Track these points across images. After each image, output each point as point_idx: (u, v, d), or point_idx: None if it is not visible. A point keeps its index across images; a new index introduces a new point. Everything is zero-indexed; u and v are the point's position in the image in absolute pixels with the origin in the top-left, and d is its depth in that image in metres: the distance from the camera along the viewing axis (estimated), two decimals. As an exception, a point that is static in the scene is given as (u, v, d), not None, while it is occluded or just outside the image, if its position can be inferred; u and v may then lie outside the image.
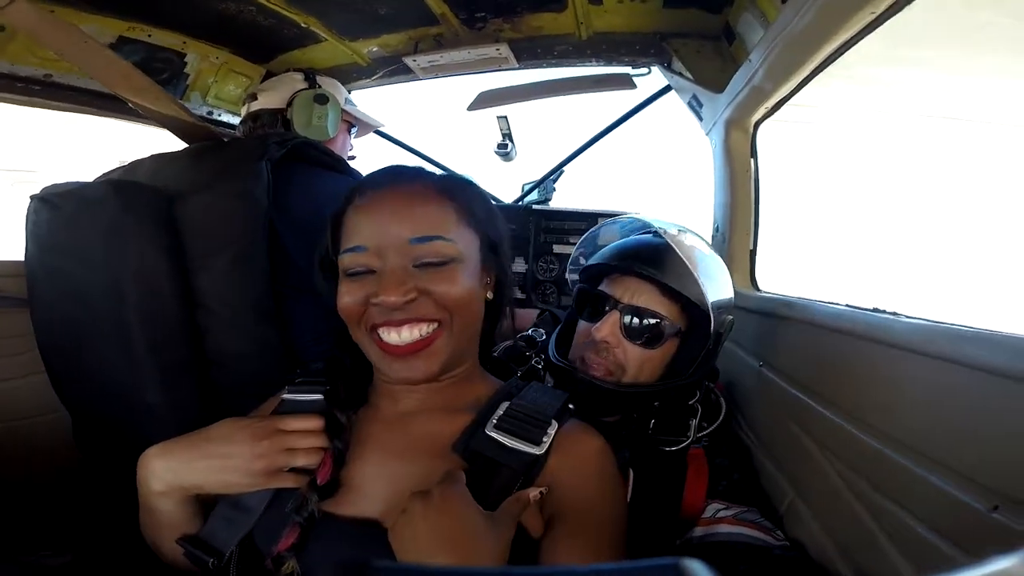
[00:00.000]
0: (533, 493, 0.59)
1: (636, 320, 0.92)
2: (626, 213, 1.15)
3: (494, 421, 0.66)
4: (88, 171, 1.11)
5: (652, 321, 0.91)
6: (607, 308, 0.93)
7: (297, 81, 1.49)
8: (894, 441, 0.60)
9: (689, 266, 0.90)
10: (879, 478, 0.62)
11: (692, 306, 0.91)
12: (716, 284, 0.93)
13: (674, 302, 0.92)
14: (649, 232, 1.01)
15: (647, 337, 0.91)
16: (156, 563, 0.72)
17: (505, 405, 0.68)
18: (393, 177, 0.71)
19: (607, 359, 0.92)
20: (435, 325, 0.66)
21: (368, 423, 0.72)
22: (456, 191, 0.70)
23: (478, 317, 0.72)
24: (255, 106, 1.44)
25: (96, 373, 0.96)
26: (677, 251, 0.92)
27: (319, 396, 0.73)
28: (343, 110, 1.55)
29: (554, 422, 0.66)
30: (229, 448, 0.65)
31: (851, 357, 0.75)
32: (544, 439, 0.64)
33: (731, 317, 0.96)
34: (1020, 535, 0.41)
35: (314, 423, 0.68)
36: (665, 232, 0.96)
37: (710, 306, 0.89)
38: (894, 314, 0.76)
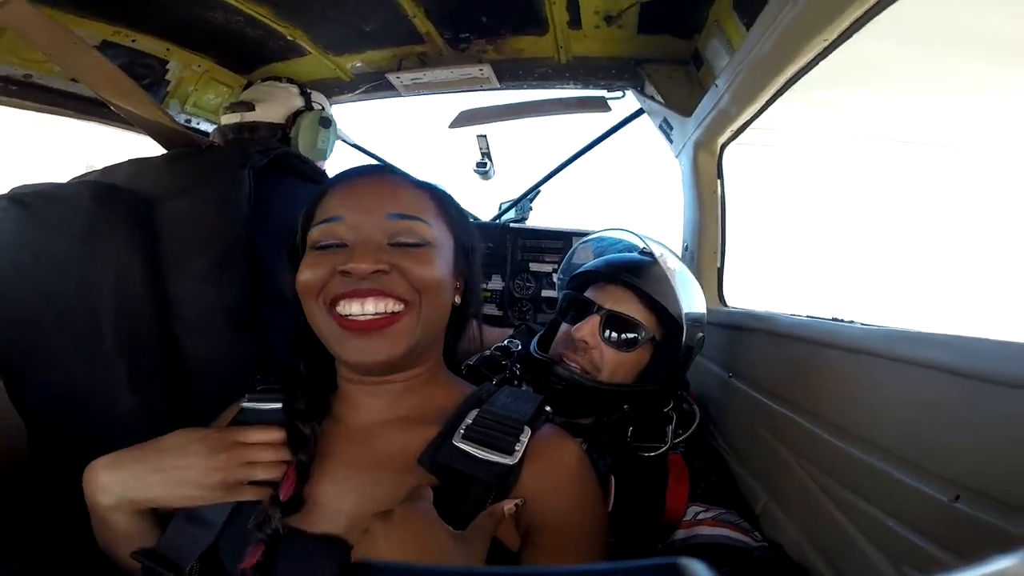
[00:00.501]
0: (508, 506, 0.56)
1: (615, 324, 0.98)
2: (617, 228, 1.21)
3: (462, 431, 0.62)
4: (48, 176, 1.06)
5: (629, 327, 0.98)
6: (589, 312, 1.00)
7: (294, 96, 1.46)
8: (859, 440, 0.63)
9: (670, 281, 0.97)
10: (848, 477, 0.64)
11: (668, 318, 0.98)
12: (692, 301, 1.01)
13: (651, 312, 0.99)
14: (636, 251, 1.09)
15: (623, 341, 0.98)
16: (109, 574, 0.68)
17: (474, 413, 0.64)
18: (374, 167, 0.71)
19: (583, 358, 0.98)
20: (402, 305, 0.62)
21: (332, 437, 0.67)
22: (434, 191, 0.71)
23: (445, 311, 0.69)
24: (251, 116, 1.40)
25: (60, 377, 0.92)
26: (661, 267, 0.99)
27: (279, 405, 0.68)
28: None
29: (527, 428, 0.62)
30: (183, 460, 0.61)
31: (813, 363, 0.79)
32: (516, 447, 0.60)
33: (702, 334, 1.02)
34: (979, 522, 0.44)
35: (274, 435, 0.64)
36: (651, 250, 1.03)
37: (684, 319, 0.96)
38: (851, 322, 0.82)
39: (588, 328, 0.98)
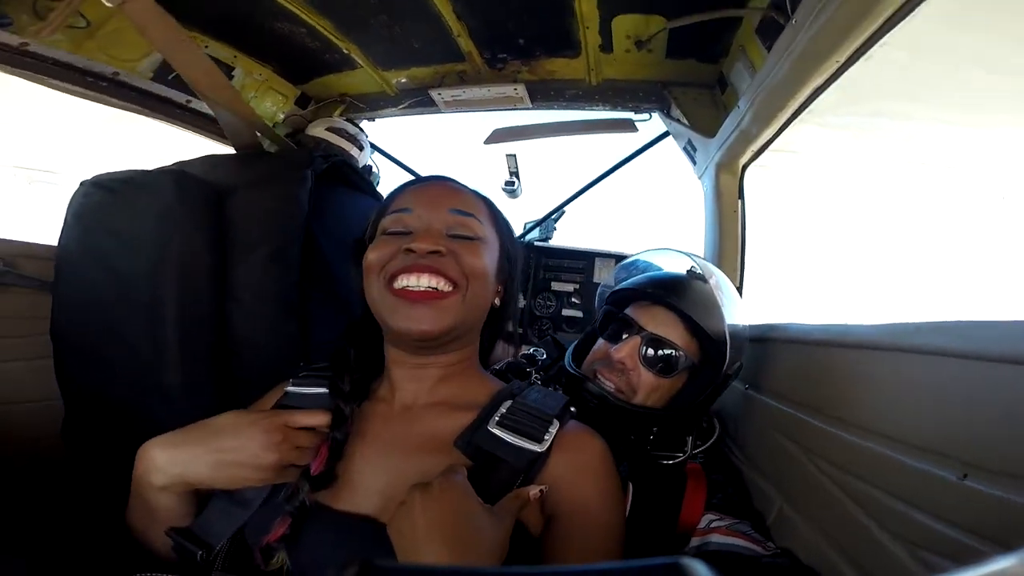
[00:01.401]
0: (533, 491, 0.59)
1: (655, 348, 0.95)
2: (667, 249, 1.20)
3: (496, 418, 0.67)
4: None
5: (670, 352, 0.95)
6: (630, 332, 0.97)
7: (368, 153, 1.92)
8: (870, 432, 0.65)
9: (719, 305, 0.94)
10: (861, 469, 0.65)
11: (711, 344, 0.94)
12: (736, 328, 0.97)
13: (694, 338, 0.96)
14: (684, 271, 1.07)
15: (662, 366, 0.95)
16: (124, 563, 0.69)
17: (508, 403, 0.69)
18: (441, 176, 0.81)
19: (620, 379, 0.96)
20: (452, 286, 0.68)
21: (369, 417, 0.72)
22: (487, 201, 0.80)
23: (486, 305, 0.75)
24: (356, 154, 1.83)
25: (115, 354, 0.98)
26: (710, 289, 0.96)
27: (323, 389, 0.73)
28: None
29: (556, 421, 0.67)
30: (237, 442, 0.63)
31: (824, 363, 0.81)
32: (546, 437, 0.65)
33: (740, 362, 0.99)
34: (988, 496, 0.45)
35: (321, 419, 0.68)
36: (701, 272, 1.00)
37: (729, 348, 0.93)
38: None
39: (627, 350, 0.95)
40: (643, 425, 0.97)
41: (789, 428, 0.87)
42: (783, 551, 0.79)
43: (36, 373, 1.11)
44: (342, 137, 1.82)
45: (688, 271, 1.05)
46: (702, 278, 0.99)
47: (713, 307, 0.94)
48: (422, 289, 0.67)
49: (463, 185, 0.80)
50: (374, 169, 2.14)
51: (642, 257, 1.26)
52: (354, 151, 1.85)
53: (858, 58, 0.92)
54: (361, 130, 1.94)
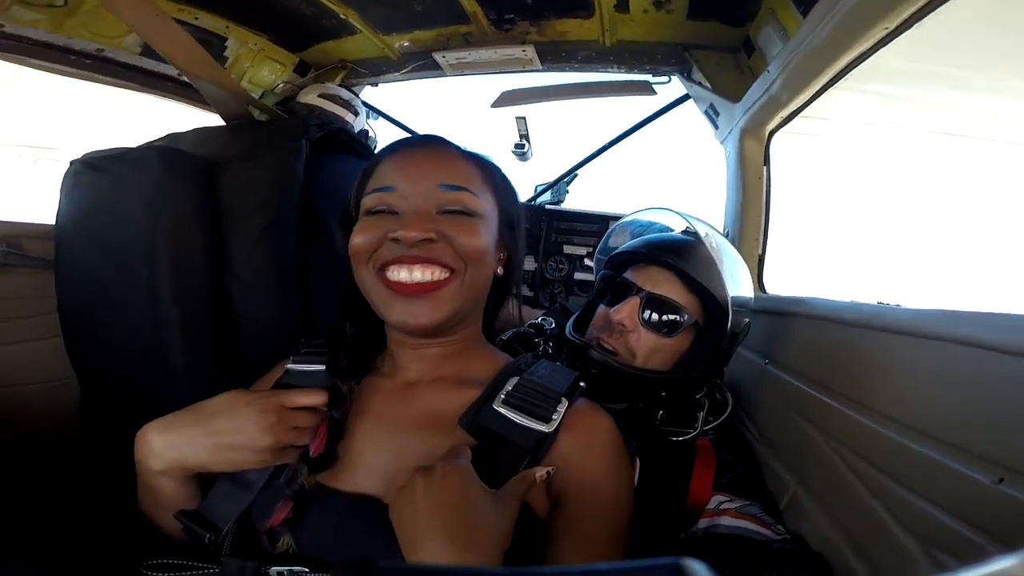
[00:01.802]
0: (540, 473, 0.57)
1: (655, 307, 0.94)
2: (658, 208, 1.15)
3: (502, 396, 0.64)
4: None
5: (670, 310, 0.94)
6: (629, 294, 0.96)
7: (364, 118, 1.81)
8: (897, 423, 0.62)
9: (716, 263, 0.92)
10: (883, 460, 0.63)
11: (713, 302, 0.93)
12: (738, 285, 0.96)
13: (695, 296, 0.94)
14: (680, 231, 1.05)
15: (663, 326, 0.94)
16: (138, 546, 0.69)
17: (514, 380, 0.66)
18: (426, 138, 0.72)
19: (620, 342, 0.94)
20: (448, 273, 0.63)
21: (373, 393, 0.69)
22: (483, 162, 0.72)
23: (487, 280, 0.70)
24: (351, 120, 1.73)
25: (118, 333, 0.98)
26: (706, 247, 0.93)
27: (323, 367, 0.70)
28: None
29: (564, 399, 0.64)
30: (233, 424, 0.61)
31: (852, 346, 0.77)
32: (554, 416, 0.62)
33: (748, 320, 0.98)
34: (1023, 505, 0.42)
35: (318, 398, 0.65)
36: (695, 230, 0.98)
37: (730, 304, 0.91)
38: (894, 306, 0.81)
39: (627, 311, 0.94)
40: (649, 390, 0.96)
41: (809, 409, 0.85)
42: (793, 536, 0.79)
43: (53, 352, 1.11)
44: (335, 103, 1.74)
45: (684, 230, 1.02)
46: (698, 236, 0.96)
47: (711, 264, 0.92)
48: (415, 282, 0.62)
49: (453, 147, 0.71)
50: (371, 133, 2.06)
51: (636, 217, 1.22)
52: (348, 116, 1.76)
53: (911, 24, 0.84)
54: (356, 95, 1.86)
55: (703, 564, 0.21)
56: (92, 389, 1.09)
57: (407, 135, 2.22)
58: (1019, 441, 0.46)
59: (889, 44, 0.92)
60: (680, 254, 0.94)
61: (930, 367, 0.60)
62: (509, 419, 0.62)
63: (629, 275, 0.99)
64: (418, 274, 0.62)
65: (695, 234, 0.97)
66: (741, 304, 0.95)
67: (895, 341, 0.67)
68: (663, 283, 0.95)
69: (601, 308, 1.02)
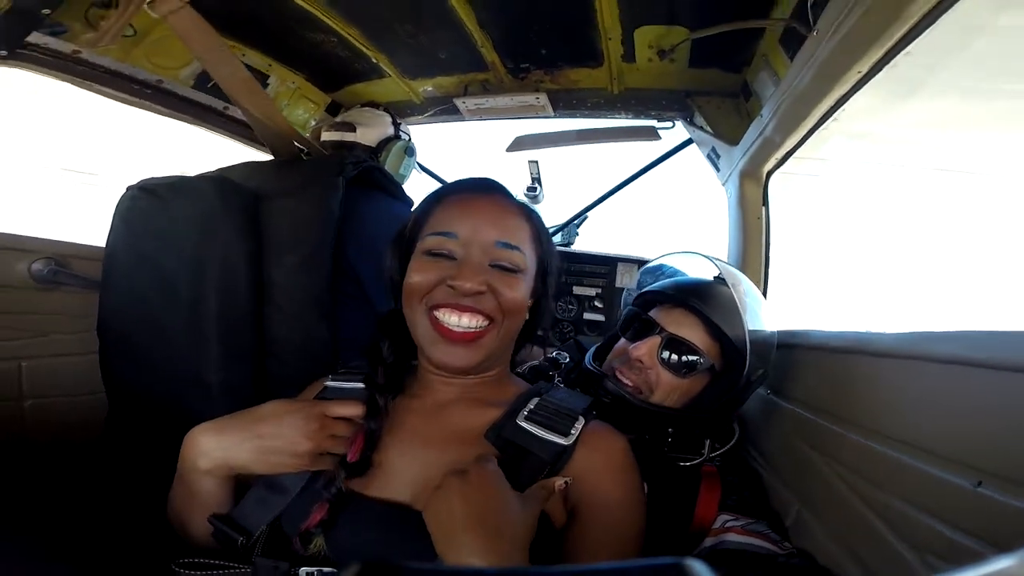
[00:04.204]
0: (559, 482, 0.62)
1: (675, 348, 0.97)
2: (692, 252, 1.18)
3: (525, 413, 0.71)
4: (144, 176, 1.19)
5: (689, 352, 0.97)
6: (651, 333, 0.99)
7: (388, 124, 1.63)
8: (889, 439, 0.65)
9: (740, 310, 0.95)
10: (878, 475, 0.66)
11: (732, 349, 0.96)
12: (760, 335, 0.98)
13: (715, 341, 0.97)
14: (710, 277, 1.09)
15: (681, 366, 0.97)
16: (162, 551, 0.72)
17: (536, 400, 0.73)
18: (487, 185, 0.80)
19: (638, 377, 0.98)
20: (488, 322, 0.71)
21: (405, 412, 0.75)
22: (533, 217, 0.80)
23: (519, 329, 0.77)
24: (351, 137, 1.57)
25: (157, 351, 1.03)
26: (733, 294, 0.97)
27: (360, 384, 0.76)
28: None
29: (581, 418, 0.71)
30: (278, 429, 0.67)
31: (844, 371, 0.82)
32: (572, 431, 0.68)
33: (764, 371, 0.99)
34: (1002, 505, 0.46)
35: (356, 409, 0.71)
36: (724, 277, 1.02)
37: (748, 351, 0.94)
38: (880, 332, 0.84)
39: (646, 348, 0.97)
40: (659, 424, 0.98)
41: (809, 434, 0.88)
42: (800, 551, 0.79)
43: (87, 368, 1.17)
44: (333, 130, 1.60)
45: (715, 277, 1.06)
46: (726, 283, 0.99)
47: (735, 312, 0.95)
48: (462, 330, 0.70)
49: (511, 199, 0.79)
50: (406, 137, 1.81)
51: (667, 261, 1.27)
52: (348, 136, 1.58)
53: (882, 67, 0.92)
54: (378, 109, 1.69)
55: (703, 564, 0.22)
56: (122, 404, 1.13)
57: (432, 178, 2.35)
58: (993, 446, 0.50)
59: (866, 86, 1.00)
60: (705, 299, 0.98)
61: (913, 385, 0.64)
62: (531, 433, 0.68)
63: (654, 314, 1.03)
64: (467, 321, 0.70)
65: (724, 281, 1.01)
66: (760, 353, 0.97)
67: (882, 363, 0.72)
68: (685, 325, 0.98)
69: (622, 342, 1.05)
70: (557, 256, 0.84)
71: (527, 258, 0.74)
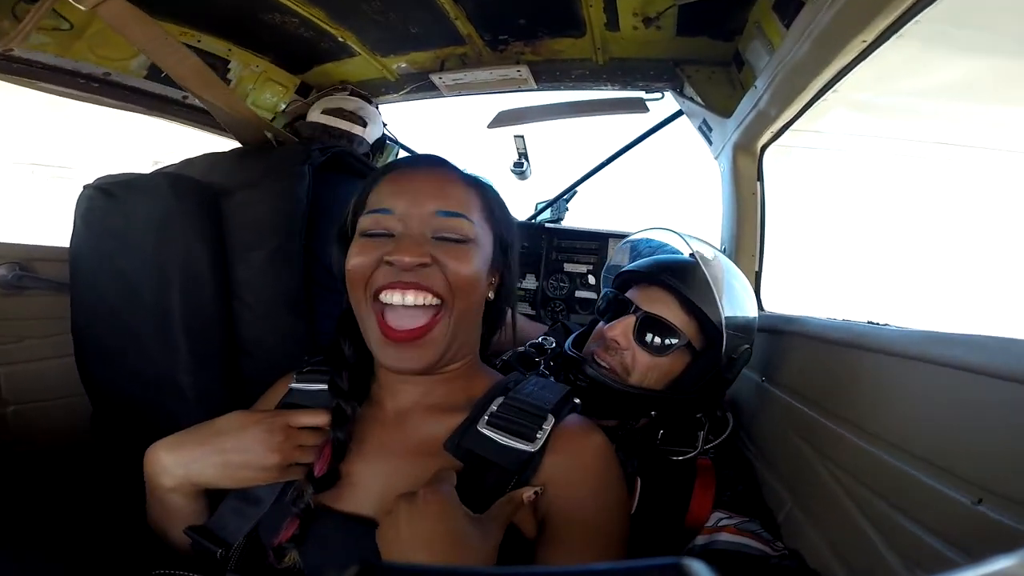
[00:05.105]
0: (527, 494, 0.57)
1: (649, 327, 0.95)
2: (663, 228, 1.14)
3: (486, 417, 0.64)
4: (119, 169, 1.16)
5: (664, 330, 0.95)
6: (626, 312, 0.97)
7: (380, 123, 1.76)
8: (886, 443, 0.63)
9: (713, 287, 0.92)
10: (872, 480, 0.63)
11: (710, 325, 0.94)
12: (739, 310, 0.96)
13: (692, 318, 0.96)
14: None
15: (657, 345, 0.95)
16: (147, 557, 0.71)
17: (500, 400, 0.67)
18: (426, 158, 0.73)
19: (615, 359, 0.96)
20: (437, 302, 0.65)
21: (370, 421, 0.71)
22: (481, 186, 0.73)
23: (478, 308, 0.72)
24: (359, 131, 1.65)
25: (129, 354, 1.00)
26: (708, 270, 0.94)
27: (325, 386, 0.72)
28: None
29: (551, 417, 0.64)
30: (242, 443, 0.64)
31: (844, 366, 0.78)
32: (539, 436, 0.62)
33: (747, 347, 0.97)
34: (1001, 526, 0.43)
35: (322, 419, 0.68)
36: (699, 253, 0.99)
37: (725, 327, 0.92)
38: (884, 325, 0.80)
39: (621, 328, 0.96)
40: (640, 407, 0.96)
41: (803, 427, 0.86)
42: (792, 552, 0.79)
43: (66, 370, 1.15)
44: (340, 117, 1.70)
45: (691, 254, 1.03)
46: (702, 258, 0.97)
47: (710, 288, 0.92)
48: (405, 329, 0.64)
49: (453, 169, 0.72)
50: (390, 136, 1.99)
51: (643, 236, 1.24)
52: (356, 129, 1.71)
53: (889, 36, 0.84)
54: (368, 102, 1.80)
55: (703, 564, 0.22)
56: (103, 406, 1.12)
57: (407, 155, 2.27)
58: (997, 462, 0.47)
59: (870, 57, 0.92)
60: (680, 276, 0.96)
61: (917, 388, 0.61)
62: (493, 440, 0.62)
63: (630, 294, 1.01)
64: (410, 298, 0.63)
65: (699, 256, 0.98)
66: (740, 329, 0.95)
67: (883, 361, 0.68)
68: (660, 303, 0.96)
69: (600, 324, 1.04)
70: (516, 229, 0.77)
71: (476, 228, 0.67)
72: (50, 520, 1.05)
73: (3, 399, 1.20)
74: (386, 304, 0.65)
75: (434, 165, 0.72)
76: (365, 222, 0.67)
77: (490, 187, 0.75)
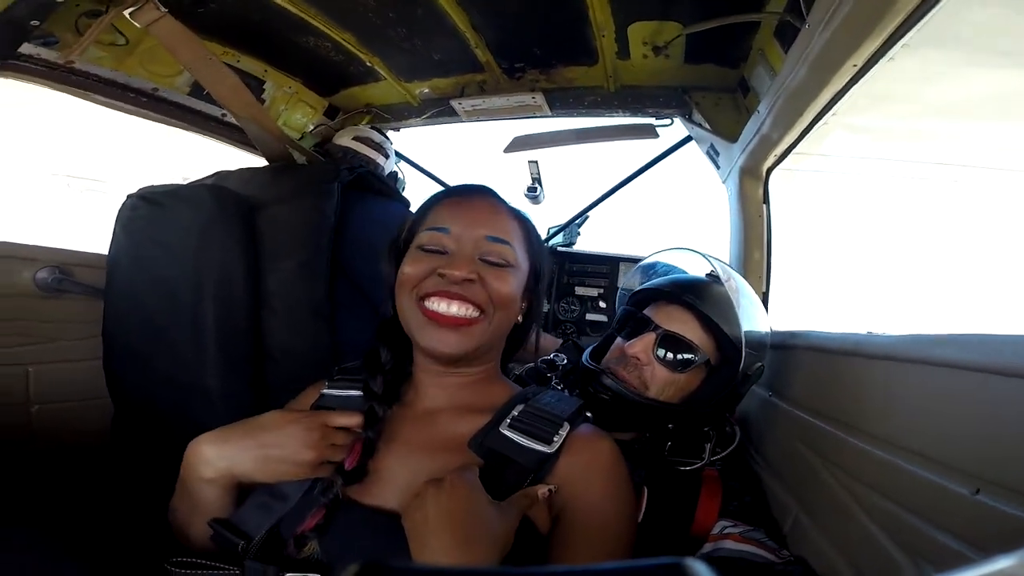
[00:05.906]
0: (542, 490, 0.63)
1: (670, 344, 0.97)
2: (684, 248, 1.19)
3: (508, 421, 0.71)
4: (149, 183, 1.22)
5: (684, 348, 0.97)
6: (646, 330, 1.00)
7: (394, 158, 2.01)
8: (885, 443, 0.64)
9: (734, 305, 0.96)
10: (876, 480, 0.65)
11: (727, 343, 0.96)
12: (754, 328, 0.99)
13: (710, 336, 0.98)
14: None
15: (677, 362, 0.97)
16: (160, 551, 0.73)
17: (520, 407, 0.73)
18: (480, 189, 0.83)
19: (633, 374, 0.98)
20: (477, 313, 0.72)
21: (399, 420, 0.76)
22: (524, 220, 0.82)
23: (510, 324, 0.78)
24: (382, 161, 1.89)
25: (159, 358, 1.05)
26: (726, 289, 0.98)
27: (358, 392, 0.78)
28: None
29: (566, 424, 0.70)
30: (281, 438, 0.69)
31: (845, 373, 0.80)
32: (555, 439, 0.68)
33: (761, 364, 1.00)
34: (999, 513, 0.45)
35: (356, 420, 0.73)
36: (718, 273, 1.03)
37: (743, 346, 0.94)
38: (880, 334, 0.82)
39: (641, 345, 0.98)
40: (657, 420, 0.98)
41: (808, 436, 0.87)
42: (797, 559, 0.79)
43: (93, 374, 1.19)
44: (367, 146, 1.87)
45: (707, 274, 1.06)
46: (720, 280, 1.01)
47: (729, 307, 0.96)
48: (451, 315, 0.71)
49: (502, 202, 0.81)
50: (400, 175, 2.19)
51: (661, 258, 1.27)
52: (380, 159, 1.89)
53: (878, 60, 0.89)
54: (387, 138, 1.99)
55: (703, 564, 0.22)
56: (126, 409, 1.15)
57: (432, 180, 2.36)
58: (993, 453, 0.49)
59: (865, 81, 0.97)
60: (699, 294, 0.99)
61: (914, 389, 0.63)
62: (514, 441, 0.69)
63: (649, 312, 1.03)
64: (455, 308, 0.71)
65: (716, 276, 1.02)
66: (755, 347, 0.98)
67: (879, 366, 0.70)
68: (679, 321, 0.99)
69: (618, 341, 1.06)
70: (549, 261, 0.85)
71: (517, 255, 0.76)
72: (67, 517, 1.06)
73: (30, 398, 1.23)
74: (430, 311, 0.72)
75: (486, 195, 0.81)
76: (423, 237, 0.76)
77: (530, 221, 0.84)
